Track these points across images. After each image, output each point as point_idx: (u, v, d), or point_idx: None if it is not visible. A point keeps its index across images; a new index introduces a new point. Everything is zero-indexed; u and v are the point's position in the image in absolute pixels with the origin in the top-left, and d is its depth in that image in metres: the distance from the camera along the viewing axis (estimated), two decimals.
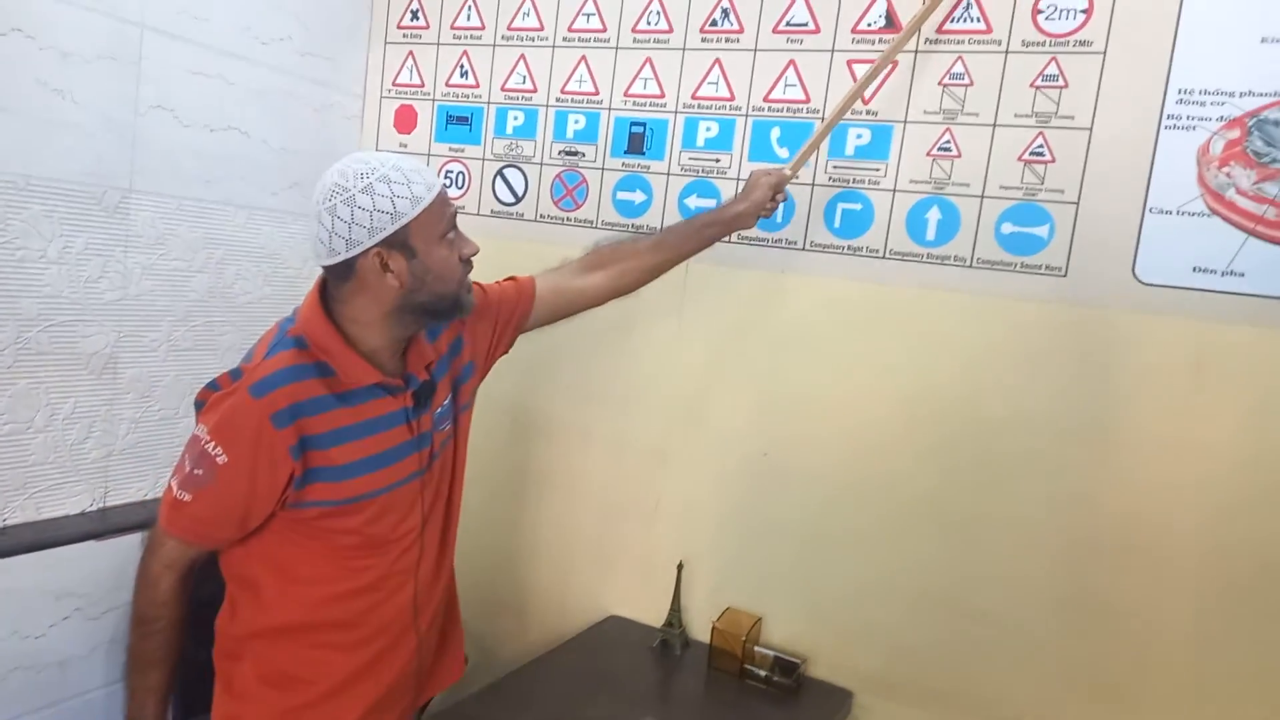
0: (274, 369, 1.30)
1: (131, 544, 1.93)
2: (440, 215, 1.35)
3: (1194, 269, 1.68)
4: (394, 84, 2.50)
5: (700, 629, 2.13)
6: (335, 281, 1.36)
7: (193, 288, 2.13)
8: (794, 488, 2.05)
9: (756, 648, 2.02)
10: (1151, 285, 1.72)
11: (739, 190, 1.87)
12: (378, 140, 2.53)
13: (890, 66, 1.92)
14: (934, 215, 1.91)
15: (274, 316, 2.33)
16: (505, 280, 1.73)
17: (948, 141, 1.89)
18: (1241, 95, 1.64)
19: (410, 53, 2.46)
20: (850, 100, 1.88)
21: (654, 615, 2.17)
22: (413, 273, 1.34)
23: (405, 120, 2.49)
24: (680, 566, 2.11)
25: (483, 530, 2.42)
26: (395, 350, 1.43)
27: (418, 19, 2.45)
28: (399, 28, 2.48)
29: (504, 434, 2.38)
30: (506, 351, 1.74)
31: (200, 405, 1.34)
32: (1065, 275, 1.79)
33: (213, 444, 1.28)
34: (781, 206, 1.97)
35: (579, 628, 2.20)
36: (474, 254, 1.42)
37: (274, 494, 1.32)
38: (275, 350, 1.33)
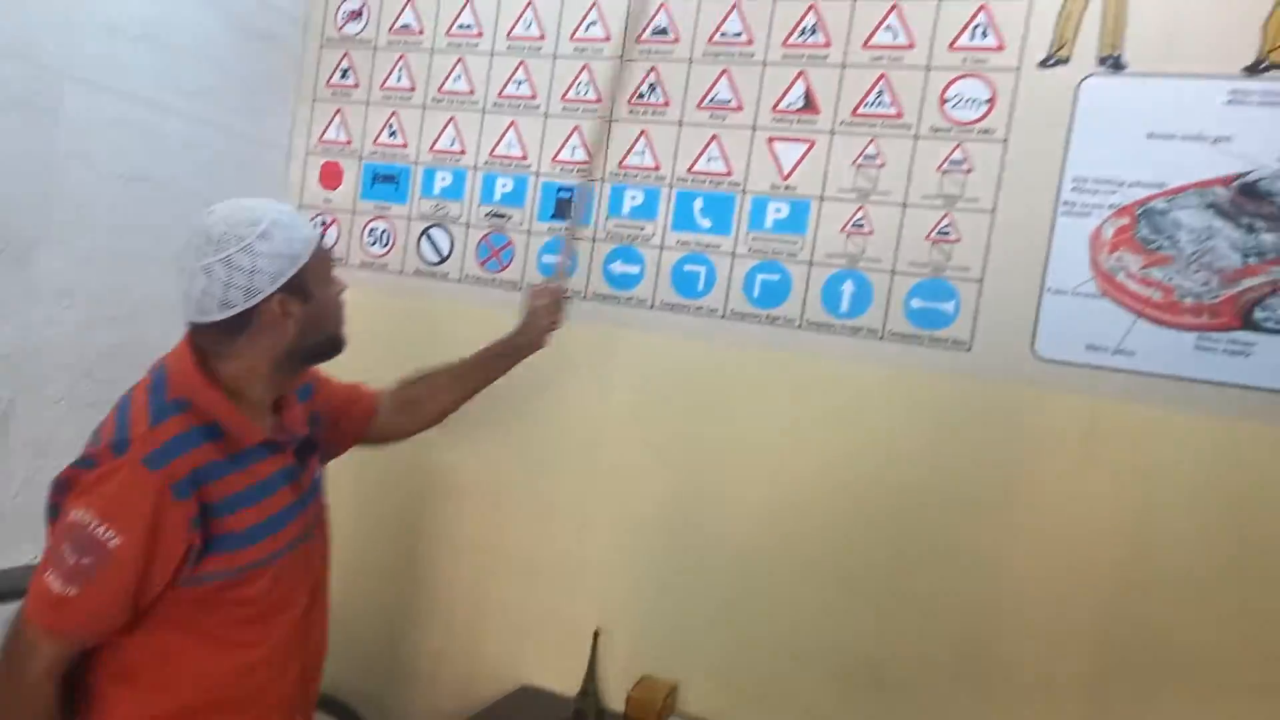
0: (167, 437, 1.22)
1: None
2: (327, 254, 1.38)
3: (1088, 346, 1.77)
4: (320, 140, 2.49)
5: (616, 698, 2.10)
6: (221, 336, 1.29)
7: (100, 341, 2.06)
8: (712, 553, 2.06)
9: (672, 717, 2.00)
10: (1049, 361, 1.80)
11: (522, 317, 1.89)
12: (302, 195, 2.51)
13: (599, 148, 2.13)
14: (848, 288, 1.97)
15: None
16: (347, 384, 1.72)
17: (862, 218, 1.96)
18: (1130, 185, 1.75)
19: (339, 110, 2.47)
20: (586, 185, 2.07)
21: (569, 684, 2.13)
22: (308, 315, 1.32)
23: (331, 176, 2.48)
24: (596, 634, 2.09)
25: (388, 594, 2.37)
26: (270, 406, 1.39)
27: (347, 78, 2.46)
28: (328, 85, 2.48)
29: (414, 494, 2.34)
30: (340, 453, 1.70)
31: (65, 486, 1.23)
32: (970, 350, 1.86)
33: (102, 527, 1.17)
34: (703, 274, 2.02)
35: (490, 698, 2.15)
36: (345, 286, 1.43)
37: (169, 572, 1.22)
38: (161, 417, 1.24)
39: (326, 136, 2.48)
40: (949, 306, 1.88)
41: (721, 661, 2.05)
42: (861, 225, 1.96)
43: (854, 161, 1.97)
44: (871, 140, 1.96)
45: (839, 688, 1.95)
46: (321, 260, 1.35)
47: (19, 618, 1.23)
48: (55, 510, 1.23)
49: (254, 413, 1.34)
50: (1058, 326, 1.79)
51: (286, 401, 1.43)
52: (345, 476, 2.40)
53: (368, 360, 2.37)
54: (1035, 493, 1.81)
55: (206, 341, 1.30)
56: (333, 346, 1.41)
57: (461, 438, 2.30)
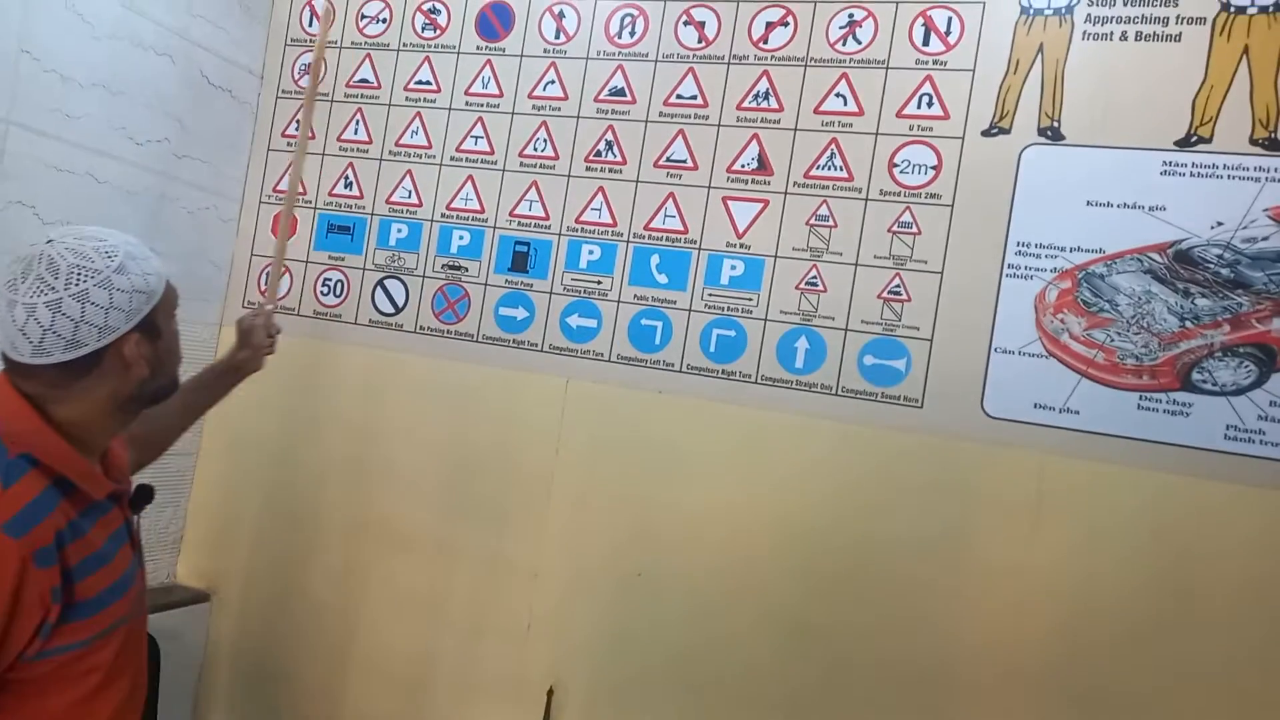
0: (26, 500, 1.08)
1: None
2: (169, 299, 1.23)
3: (1035, 405, 1.82)
4: (274, 190, 2.47)
5: None
6: (61, 379, 1.14)
7: None
8: (666, 606, 2.05)
9: None
10: (998, 419, 1.85)
11: (238, 338, 1.87)
12: (254, 244, 2.48)
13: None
14: (802, 345, 2.00)
15: None
16: None
17: (814, 276, 2.01)
18: (1072, 250, 1.82)
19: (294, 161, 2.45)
20: (290, 203, 2.12)
21: None
22: (156, 355, 1.21)
23: None
24: (550, 692, 2.06)
25: (330, 653, 2.31)
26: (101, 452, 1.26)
27: None
28: (283, 136, 2.47)
29: (356, 547, 2.30)
30: None
31: None
32: (921, 407, 1.90)
33: None
34: (660, 328, 2.04)
35: None
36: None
37: (18, 649, 1.08)
38: (13, 476, 1.09)
39: (280, 186, 2.47)
40: (901, 364, 1.92)
41: (677, 716, 2.03)
42: (815, 283, 2.00)
43: (807, 221, 2.02)
44: (823, 202, 2.01)
45: None
46: (169, 296, 1.23)
47: None
48: None
49: (94, 461, 1.21)
50: (1005, 385, 1.84)
51: (112, 447, 1.29)
52: (275, 524, 2.36)
53: (320, 407, 2.35)
54: (985, 547, 1.84)
55: (38, 385, 1.14)
56: (173, 388, 1.28)
57: (407, 488, 2.27)
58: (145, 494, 1.30)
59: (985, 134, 1.91)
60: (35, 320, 1.10)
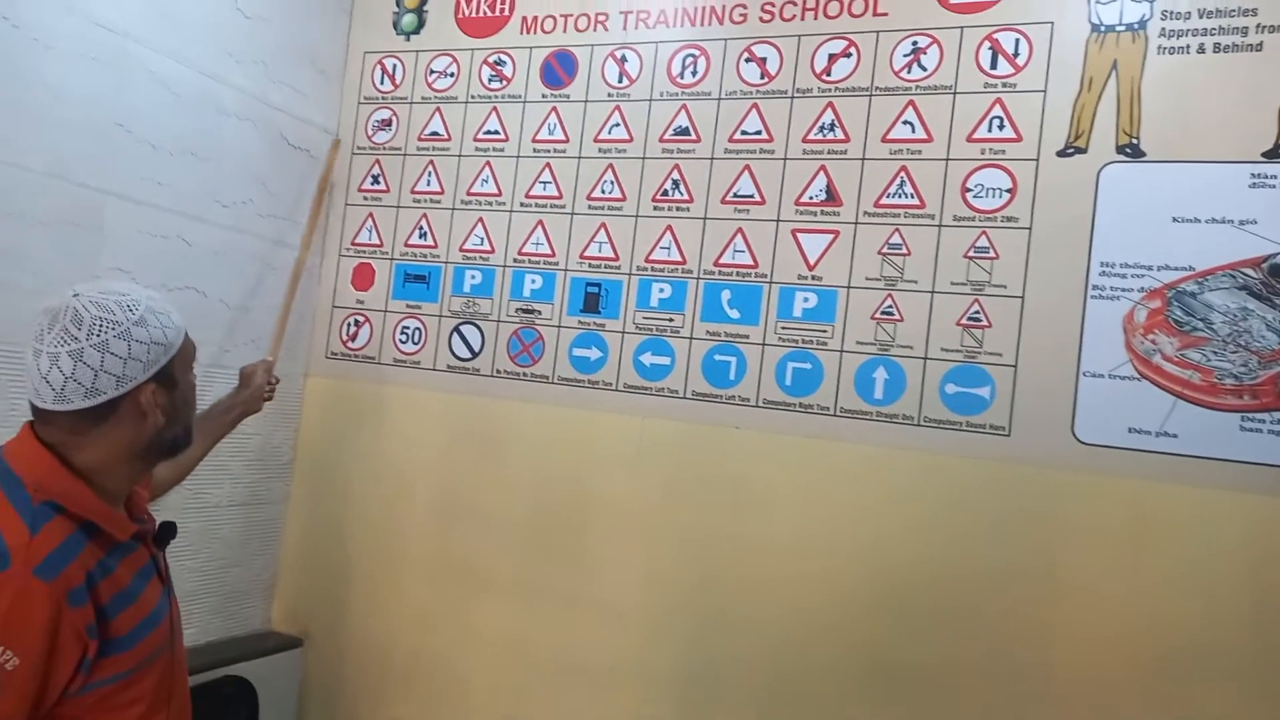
0: (54, 545, 1.13)
1: None
2: (191, 342, 1.30)
3: (1129, 430, 1.77)
4: (353, 243, 2.55)
5: None
6: (79, 425, 1.18)
7: None
8: (747, 645, 2.03)
9: None
10: (1091, 445, 1.79)
11: (240, 382, 2.04)
12: (334, 295, 2.56)
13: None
14: (880, 375, 1.98)
15: (221, 475, 2.31)
16: None
17: (890, 306, 1.98)
18: (1159, 269, 1.77)
19: (370, 214, 2.53)
20: (296, 277, 2.32)
21: None
22: (173, 405, 1.25)
23: (363, 278, 2.53)
24: None
25: (418, 694, 2.33)
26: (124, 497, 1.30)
27: (378, 183, 2.53)
28: (360, 190, 2.55)
29: (441, 589, 2.32)
30: None
31: None
32: (1009, 435, 1.86)
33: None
34: (734, 363, 2.04)
35: None
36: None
37: (62, 685, 1.13)
38: (40, 522, 1.14)
39: (358, 239, 2.54)
40: (984, 391, 1.89)
41: None
42: (891, 312, 1.98)
43: (879, 250, 2.00)
44: (895, 230, 1.99)
45: None
46: (187, 348, 1.28)
47: None
48: None
49: (117, 504, 1.26)
50: (1097, 410, 1.79)
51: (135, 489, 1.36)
52: (363, 569, 2.40)
53: (402, 453, 2.40)
54: (1081, 578, 1.78)
55: (59, 433, 1.19)
56: (187, 439, 1.31)
57: (489, 530, 2.29)
58: (168, 530, 1.34)
59: (1061, 154, 1.87)
60: (58, 369, 1.15)
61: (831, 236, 2.05)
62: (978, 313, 1.91)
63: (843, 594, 1.96)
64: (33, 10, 1.80)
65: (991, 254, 1.91)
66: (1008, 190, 1.91)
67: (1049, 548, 1.81)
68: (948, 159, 1.96)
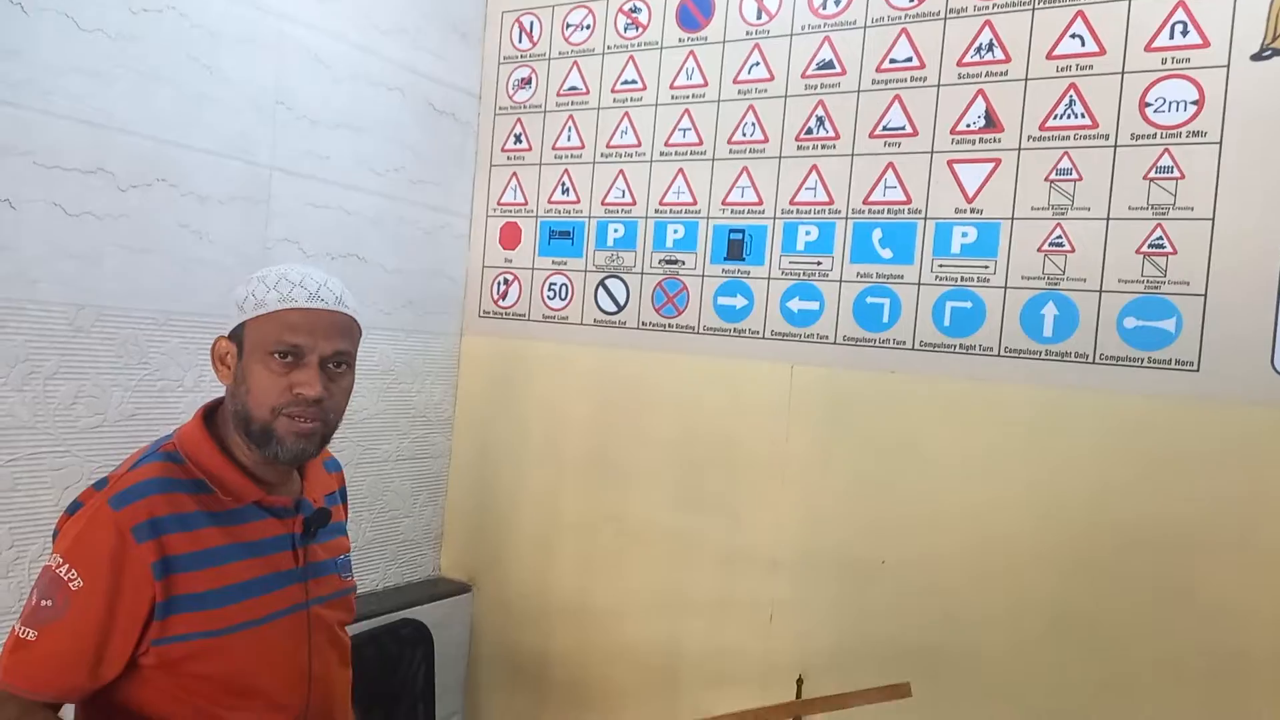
0: (139, 479, 1.17)
1: None
2: (272, 333, 1.21)
3: None
4: (499, 203, 2.60)
5: None
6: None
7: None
8: (915, 598, 1.97)
9: None
10: None
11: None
12: (484, 256, 2.62)
13: None
14: (1050, 311, 1.86)
15: (390, 432, 2.43)
16: None
17: (1059, 237, 1.85)
18: None
19: (514, 174, 2.57)
20: None
21: None
22: (237, 373, 1.24)
23: (510, 237, 2.58)
24: (800, 681, 2.04)
25: (579, 640, 2.40)
26: (283, 472, 1.30)
27: (521, 142, 2.56)
28: (503, 151, 2.60)
29: (597, 540, 2.37)
30: None
31: (55, 533, 1.21)
32: (1197, 370, 1.71)
33: (65, 567, 1.12)
34: (887, 305, 1.96)
35: None
36: (306, 391, 1.21)
37: (135, 625, 1.14)
38: (143, 462, 1.21)
39: (504, 199, 2.59)
40: (1169, 324, 1.74)
41: (934, 712, 1.95)
42: (1060, 244, 1.85)
43: (1046, 177, 1.87)
44: (1064, 154, 1.85)
45: None
46: (264, 328, 1.22)
47: None
48: None
49: (260, 473, 1.27)
50: None
51: (312, 470, 1.37)
52: (523, 520, 2.48)
53: (554, 407, 2.46)
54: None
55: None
56: (260, 435, 1.22)
57: (641, 482, 2.32)
58: (319, 516, 1.32)
59: (1256, 58, 1.68)
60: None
61: (992, 165, 1.92)
62: (1160, 239, 1.75)
63: (1010, 543, 1.87)
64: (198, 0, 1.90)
65: (1175, 174, 1.74)
66: (1193, 102, 1.73)
67: (1244, 488, 1.67)
68: (1123, 72, 1.80)
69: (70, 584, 1.11)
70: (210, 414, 1.30)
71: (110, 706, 1.18)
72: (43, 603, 1.12)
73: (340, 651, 1.38)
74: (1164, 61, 1.76)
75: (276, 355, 1.21)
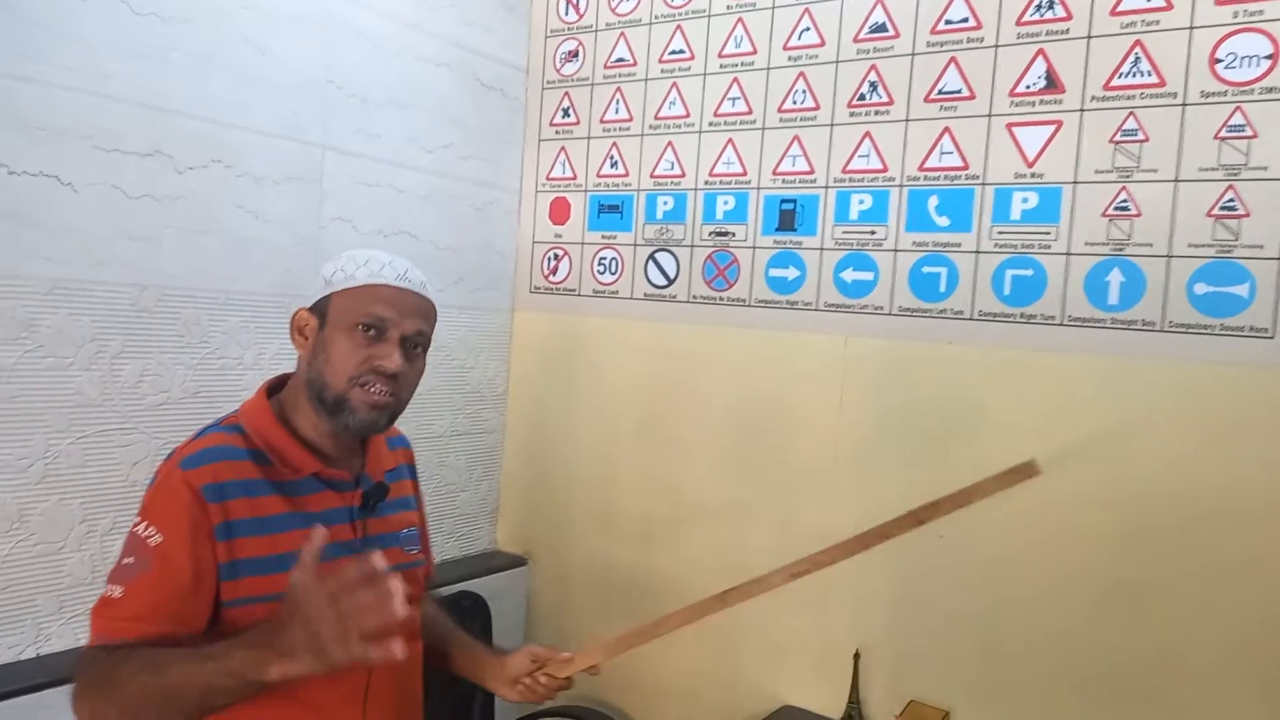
0: (204, 445, 1.23)
1: None
2: (359, 305, 1.26)
3: None
4: (548, 178, 2.60)
5: None
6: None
7: None
8: (975, 573, 1.94)
9: None
10: None
11: (513, 660, 1.50)
12: (534, 231, 2.62)
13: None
14: (1115, 278, 1.80)
15: (444, 408, 2.46)
16: None
17: (1125, 200, 1.79)
18: None
19: (563, 148, 2.56)
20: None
21: (830, 706, 2.08)
22: (317, 344, 1.28)
23: (559, 212, 2.58)
24: (857, 656, 2.03)
25: (636, 613, 2.40)
26: (344, 447, 1.33)
27: (569, 116, 2.55)
28: (551, 125, 2.59)
29: (652, 513, 2.38)
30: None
31: (141, 508, 1.25)
32: (1273, 337, 1.64)
33: (144, 524, 1.17)
34: (944, 274, 1.90)
35: (752, 716, 2.14)
36: (385, 364, 1.25)
37: (211, 578, 1.18)
38: (208, 431, 1.27)
39: (553, 174, 2.59)
40: (1242, 289, 1.67)
41: (995, 689, 1.92)
42: (1126, 207, 1.79)
43: (1111, 139, 1.80)
44: (1129, 114, 1.78)
45: (1116, 713, 1.78)
46: (349, 302, 1.26)
47: None
48: None
49: (320, 446, 1.30)
50: None
51: (374, 444, 1.39)
52: (577, 493, 2.49)
53: (606, 381, 2.46)
54: None
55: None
56: (334, 406, 1.26)
57: (695, 456, 2.31)
58: (378, 490, 1.34)
59: None
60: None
61: (1053, 128, 1.86)
62: (1232, 200, 1.68)
63: (1073, 516, 1.83)
64: None
65: (1248, 132, 1.67)
66: (1267, 57, 1.65)
67: None
68: (1191, 27, 1.72)
69: (149, 540, 1.16)
70: (273, 390, 1.35)
71: None
72: (125, 560, 1.16)
73: (406, 624, 1.39)
74: (1235, 15, 1.68)
75: (360, 328, 1.25)
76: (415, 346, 1.30)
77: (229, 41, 1.89)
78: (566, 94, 2.55)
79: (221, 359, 1.93)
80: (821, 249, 2.16)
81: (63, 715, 1.55)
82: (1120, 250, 1.79)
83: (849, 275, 2.12)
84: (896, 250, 2.06)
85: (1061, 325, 1.85)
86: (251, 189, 1.96)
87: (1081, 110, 1.83)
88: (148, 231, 1.78)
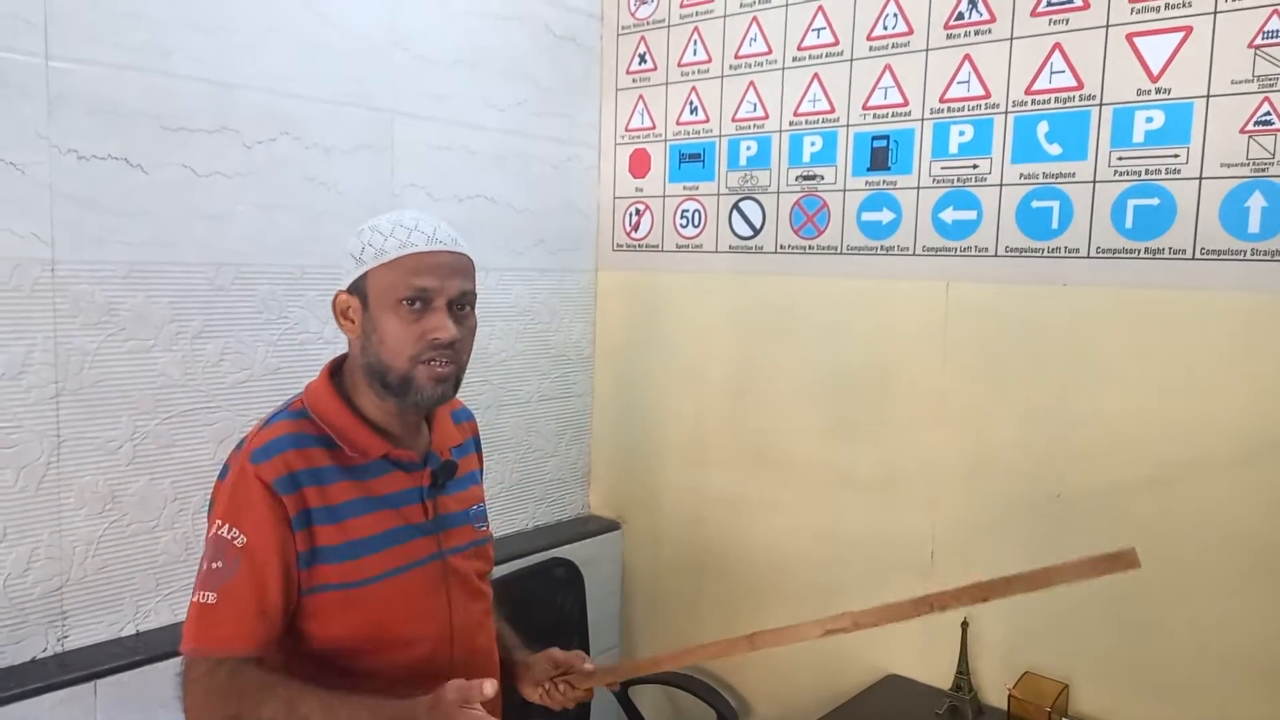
0: (273, 435, 1.21)
1: None
2: (399, 279, 1.20)
3: None
4: (627, 129, 2.49)
5: (993, 694, 1.89)
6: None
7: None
8: (1095, 534, 1.77)
9: (1064, 719, 1.76)
10: None
11: (541, 664, 1.41)
12: (615, 186, 2.53)
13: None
14: (1257, 203, 1.58)
15: (530, 373, 2.41)
16: None
17: (1267, 113, 1.56)
18: None
19: (640, 96, 2.45)
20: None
21: (937, 676, 1.96)
22: (365, 326, 1.23)
23: (640, 164, 2.47)
24: (965, 625, 1.89)
25: (732, 577, 2.33)
26: (410, 425, 1.30)
27: (645, 62, 2.43)
28: (628, 73, 2.47)
29: (746, 474, 2.28)
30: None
31: (210, 503, 1.25)
32: None
33: (226, 527, 1.16)
34: (1056, 209, 1.71)
35: (855, 688, 2.04)
36: (441, 335, 1.20)
37: (296, 570, 1.18)
38: (273, 420, 1.25)
39: (631, 124, 2.48)
40: None
41: (1117, 660, 1.76)
42: (1269, 121, 1.56)
43: (1250, 43, 1.57)
44: (1272, 12, 1.54)
45: (1263, 692, 1.59)
46: (390, 276, 1.20)
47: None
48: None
49: (387, 427, 1.27)
50: None
51: (440, 422, 1.36)
52: (669, 455, 2.42)
53: (694, 339, 2.37)
54: None
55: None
56: (399, 385, 1.22)
57: (789, 413, 2.20)
58: (446, 469, 1.32)
59: None
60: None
61: (1181, 35, 1.63)
62: None
63: (1210, 473, 1.64)
64: None
65: None
66: None
67: None
68: None
69: (235, 542, 1.16)
70: (335, 370, 1.31)
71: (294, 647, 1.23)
72: (213, 565, 1.16)
73: (483, 601, 1.38)
74: None
75: (405, 303, 1.20)
76: (462, 307, 1.25)
77: (289, 7, 1.85)
78: (642, 38, 2.43)
79: (302, 334, 1.93)
80: (918, 188, 1.99)
81: (162, 690, 1.63)
82: (1263, 171, 1.56)
83: (949, 215, 1.95)
84: (1002, 185, 1.87)
85: (1194, 259, 1.64)
86: (321, 160, 1.93)
87: (1214, 13, 1.60)
88: (219, 210, 1.78)
